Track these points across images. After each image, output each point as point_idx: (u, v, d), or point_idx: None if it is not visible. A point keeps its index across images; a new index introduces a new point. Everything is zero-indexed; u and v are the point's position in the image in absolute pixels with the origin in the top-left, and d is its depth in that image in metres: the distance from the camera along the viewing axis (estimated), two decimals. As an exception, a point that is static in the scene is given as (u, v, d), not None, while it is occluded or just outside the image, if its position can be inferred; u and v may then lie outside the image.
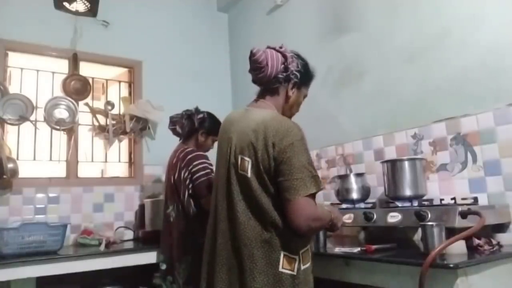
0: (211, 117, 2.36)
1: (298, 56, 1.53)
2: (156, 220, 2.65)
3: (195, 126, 2.30)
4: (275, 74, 1.46)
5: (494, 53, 1.81)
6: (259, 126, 1.37)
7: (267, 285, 1.28)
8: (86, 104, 3.11)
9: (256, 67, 1.46)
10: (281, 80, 1.48)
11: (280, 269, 1.29)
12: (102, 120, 3.16)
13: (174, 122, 2.37)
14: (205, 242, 1.51)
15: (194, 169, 2.10)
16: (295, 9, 3.06)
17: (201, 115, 2.33)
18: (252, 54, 1.46)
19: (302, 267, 1.32)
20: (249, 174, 1.35)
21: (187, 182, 2.11)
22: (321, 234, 1.94)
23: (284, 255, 1.30)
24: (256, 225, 1.33)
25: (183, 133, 2.34)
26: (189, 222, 2.10)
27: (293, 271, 1.30)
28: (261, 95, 1.53)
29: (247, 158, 1.36)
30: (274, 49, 1.48)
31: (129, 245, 2.67)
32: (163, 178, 3.19)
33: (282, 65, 1.46)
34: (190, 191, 2.11)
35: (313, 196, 1.30)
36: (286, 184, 1.29)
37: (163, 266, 2.22)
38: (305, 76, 1.54)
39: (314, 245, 1.94)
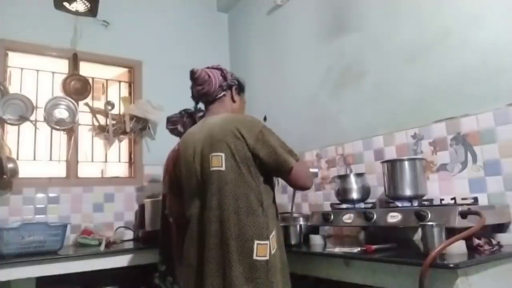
0: None
1: (227, 71, 1.77)
2: (156, 220, 2.64)
3: None
4: (219, 84, 1.69)
5: (494, 53, 1.81)
6: (224, 124, 1.53)
7: (243, 273, 1.39)
8: (86, 104, 3.11)
9: (201, 82, 1.68)
10: (225, 87, 1.70)
11: (255, 257, 1.40)
12: (102, 120, 3.16)
13: (174, 121, 2.36)
14: (185, 244, 1.58)
15: None
16: (295, 9, 3.06)
17: (201, 114, 2.33)
18: (193, 73, 1.69)
19: (272, 252, 1.44)
20: (223, 167, 1.48)
21: None
22: (319, 233, 1.94)
23: (258, 244, 1.41)
24: (230, 217, 1.44)
25: (184, 132, 2.33)
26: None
27: (266, 256, 1.41)
28: (211, 107, 1.72)
29: (220, 153, 1.49)
30: (208, 67, 1.73)
31: (129, 245, 2.67)
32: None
33: (221, 76, 1.70)
34: None
35: (297, 162, 1.53)
36: (277, 161, 1.48)
37: (163, 267, 2.22)
38: (240, 84, 1.79)
39: (311, 245, 1.95)
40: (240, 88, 1.79)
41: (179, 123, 2.34)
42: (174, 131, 2.37)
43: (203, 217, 1.52)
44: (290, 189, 2.12)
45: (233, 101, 1.74)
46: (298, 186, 1.58)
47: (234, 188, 1.46)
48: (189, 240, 1.57)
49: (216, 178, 1.48)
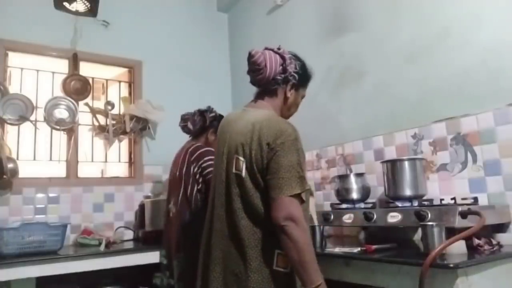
0: (222, 117, 2.38)
1: (296, 57, 1.54)
2: (156, 220, 2.65)
3: (207, 124, 2.33)
4: (274, 76, 1.46)
5: (494, 53, 1.81)
6: (255, 126, 1.37)
7: (261, 283, 1.28)
8: (86, 104, 3.11)
9: (255, 68, 1.47)
10: (280, 81, 1.48)
11: (274, 267, 1.29)
12: (102, 120, 3.16)
13: (185, 119, 2.40)
14: (201, 241, 1.52)
15: (204, 164, 2.11)
16: (295, 9, 3.06)
17: (213, 114, 2.37)
18: (250, 56, 1.47)
19: None
20: (243, 174, 1.35)
21: (197, 176, 2.12)
22: (318, 233, 1.94)
23: (278, 253, 1.30)
24: (249, 224, 1.33)
25: (194, 130, 2.36)
26: (190, 218, 2.11)
27: (287, 269, 1.30)
28: (259, 96, 1.54)
29: (241, 158, 1.37)
30: (272, 50, 1.49)
31: (129, 245, 2.67)
32: (163, 178, 3.20)
33: (281, 67, 1.47)
34: (199, 186, 2.11)
35: (298, 197, 1.28)
36: (272, 182, 1.28)
37: (164, 261, 2.24)
38: (303, 77, 1.55)
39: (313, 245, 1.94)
40: (301, 82, 1.54)
41: (189, 120, 2.38)
42: (184, 128, 2.41)
43: (212, 215, 1.45)
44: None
45: (286, 98, 1.51)
46: (274, 220, 1.26)
47: (252, 198, 1.33)
48: (204, 237, 1.50)
49: (236, 182, 1.37)
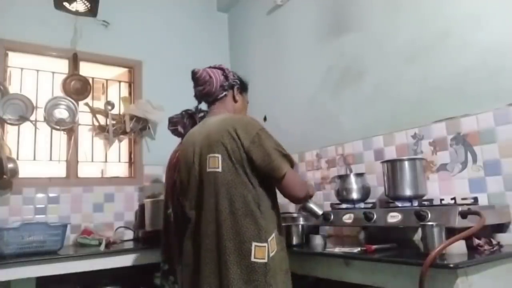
0: None
1: (229, 70, 1.77)
2: (156, 220, 2.64)
3: None
4: (220, 84, 1.69)
5: (494, 53, 1.81)
6: (221, 125, 1.53)
7: (240, 275, 1.38)
8: (86, 104, 3.11)
9: (202, 82, 1.70)
10: (226, 87, 1.71)
11: (252, 259, 1.40)
12: (102, 120, 3.16)
13: (174, 122, 2.38)
14: (184, 244, 1.59)
15: None
16: (295, 9, 3.06)
17: (202, 114, 2.34)
18: (194, 73, 1.71)
19: (271, 254, 1.43)
20: (220, 169, 1.48)
21: None
22: (319, 233, 1.94)
23: (255, 246, 1.40)
24: (227, 218, 1.44)
25: (185, 133, 2.34)
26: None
27: (264, 259, 1.40)
28: (212, 106, 1.74)
29: (216, 155, 1.49)
30: (210, 67, 1.75)
31: (129, 245, 2.67)
32: (163, 178, 3.19)
33: (223, 76, 1.71)
34: None
35: (291, 168, 1.52)
36: (270, 167, 1.46)
37: (165, 267, 2.23)
38: (242, 83, 1.79)
39: (311, 245, 1.95)
40: (243, 88, 1.79)
41: (179, 124, 2.35)
42: (174, 132, 2.39)
43: (200, 218, 1.53)
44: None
45: (235, 100, 1.74)
46: (290, 195, 1.53)
47: (230, 190, 1.46)
48: (187, 240, 1.58)
49: (213, 179, 1.49)
